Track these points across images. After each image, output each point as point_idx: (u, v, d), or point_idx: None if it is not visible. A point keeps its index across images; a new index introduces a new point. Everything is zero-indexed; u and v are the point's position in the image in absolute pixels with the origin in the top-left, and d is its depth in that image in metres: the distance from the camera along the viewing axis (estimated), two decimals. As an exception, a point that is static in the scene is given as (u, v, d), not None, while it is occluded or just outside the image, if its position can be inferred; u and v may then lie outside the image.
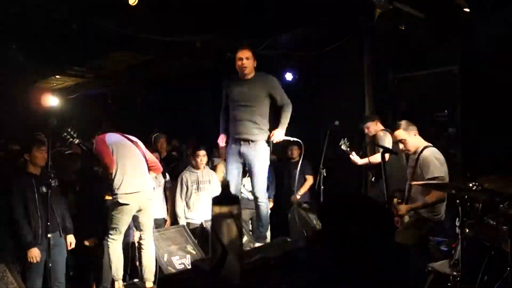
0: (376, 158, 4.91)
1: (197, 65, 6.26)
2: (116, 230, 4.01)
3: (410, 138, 3.79)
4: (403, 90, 5.98)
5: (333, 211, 1.51)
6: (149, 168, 4.26)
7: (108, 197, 4.35)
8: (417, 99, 5.79)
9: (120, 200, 3.94)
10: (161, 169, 4.60)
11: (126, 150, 4.13)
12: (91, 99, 8.71)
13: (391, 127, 3.96)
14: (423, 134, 3.92)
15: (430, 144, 3.82)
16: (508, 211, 2.69)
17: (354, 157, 5.24)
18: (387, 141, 4.86)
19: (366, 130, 5.35)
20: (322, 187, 5.29)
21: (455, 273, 2.89)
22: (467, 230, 2.88)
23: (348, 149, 5.28)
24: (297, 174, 4.71)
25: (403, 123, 3.85)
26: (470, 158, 5.02)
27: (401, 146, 3.88)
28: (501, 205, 2.83)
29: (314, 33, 5.42)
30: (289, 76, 6.47)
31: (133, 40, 5.10)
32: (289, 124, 4.19)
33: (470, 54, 4.92)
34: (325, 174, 5.28)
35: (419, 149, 3.77)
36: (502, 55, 4.55)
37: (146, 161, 4.23)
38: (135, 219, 4.13)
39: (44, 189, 3.83)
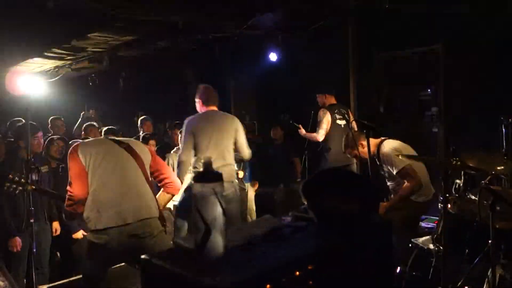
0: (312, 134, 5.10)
1: (180, 45, 6.14)
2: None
3: (362, 149, 3.59)
4: (387, 69, 5.98)
5: (317, 187, 1.50)
6: (163, 186, 3.03)
7: None
8: (400, 78, 5.80)
9: (95, 240, 2.61)
10: (179, 187, 3.20)
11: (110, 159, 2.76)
12: (72, 82, 8.51)
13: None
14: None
15: (383, 138, 3.67)
16: (490, 186, 2.73)
17: (301, 129, 5.31)
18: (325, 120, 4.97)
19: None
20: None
21: (437, 248, 2.94)
22: (449, 206, 2.92)
23: (291, 121, 5.38)
24: None
25: (355, 133, 3.73)
26: (452, 135, 5.08)
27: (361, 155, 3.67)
28: (482, 181, 2.88)
29: (298, 12, 5.34)
30: (273, 56, 6.40)
31: (114, 20, 4.95)
32: (274, 106, 4.15)
33: (451, 32, 4.93)
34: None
35: (376, 148, 3.61)
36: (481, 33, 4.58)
37: (147, 174, 2.87)
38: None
39: (34, 176, 3.81)
